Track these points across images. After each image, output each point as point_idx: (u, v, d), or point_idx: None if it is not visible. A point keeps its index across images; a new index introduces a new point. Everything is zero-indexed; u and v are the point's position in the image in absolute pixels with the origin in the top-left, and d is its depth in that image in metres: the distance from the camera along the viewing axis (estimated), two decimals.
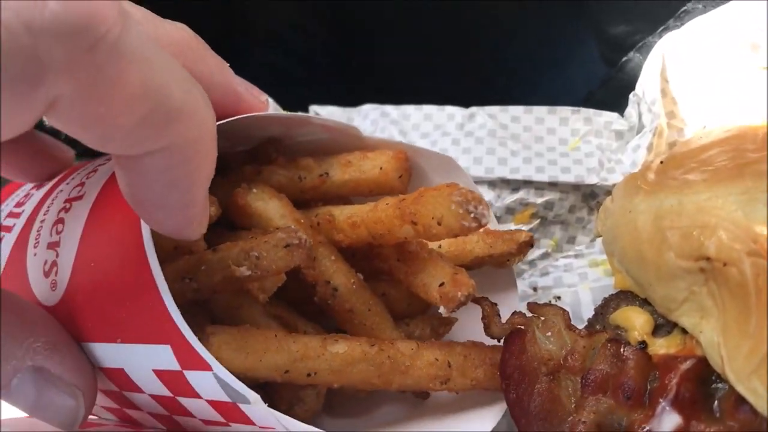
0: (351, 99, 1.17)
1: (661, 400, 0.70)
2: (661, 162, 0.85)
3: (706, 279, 0.70)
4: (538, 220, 1.04)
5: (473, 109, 1.08)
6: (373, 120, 1.09)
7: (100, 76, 0.47)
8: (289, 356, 0.76)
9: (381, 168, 0.87)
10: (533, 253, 1.05)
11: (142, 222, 0.66)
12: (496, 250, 0.90)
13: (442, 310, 0.82)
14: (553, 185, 1.02)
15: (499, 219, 1.04)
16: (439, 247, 0.90)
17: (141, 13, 0.68)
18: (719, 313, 0.68)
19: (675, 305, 0.73)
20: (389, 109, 1.10)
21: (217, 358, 0.70)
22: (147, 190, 0.59)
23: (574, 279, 1.01)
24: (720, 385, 0.70)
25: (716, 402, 0.70)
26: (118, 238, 0.70)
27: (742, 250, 0.66)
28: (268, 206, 0.84)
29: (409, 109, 1.09)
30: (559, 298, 1.01)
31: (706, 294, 0.70)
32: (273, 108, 1.05)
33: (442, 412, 0.88)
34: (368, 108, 1.11)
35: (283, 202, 0.85)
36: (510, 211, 1.04)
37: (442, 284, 0.82)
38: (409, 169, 0.89)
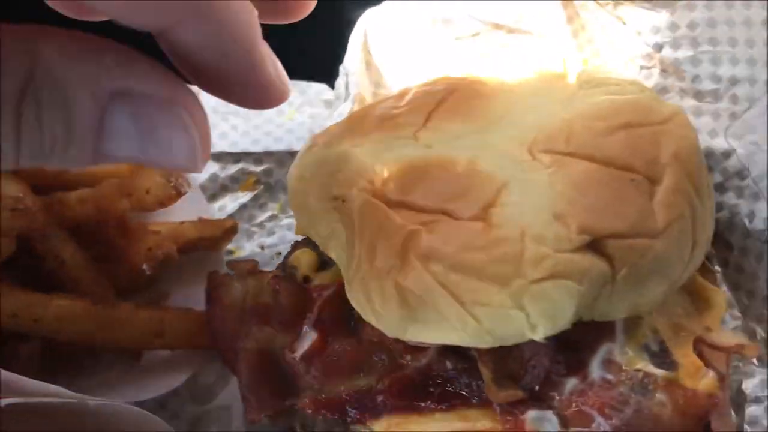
0: None
1: (304, 323, 0.81)
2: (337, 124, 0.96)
3: (339, 216, 0.81)
4: (262, 186, 1.14)
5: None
6: None
7: None
8: (17, 302, 0.87)
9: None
10: (262, 216, 1.14)
11: None
12: (206, 234, 1.04)
13: (145, 266, 0.94)
14: (269, 154, 1.12)
15: (226, 188, 1.13)
16: (159, 232, 1.02)
17: None
18: (346, 243, 0.79)
19: (325, 242, 0.84)
20: None
21: None
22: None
23: (297, 236, 1.11)
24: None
25: (353, 321, 0.81)
26: None
27: (356, 188, 0.77)
28: (10, 188, 0.91)
29: None
30: (279, 253, 1.10)
31: (342, 229, 0.81)
32: None
33: (153, 371, 0.98)
34: None
35: (22, 186, 0.93)
36: (235, 180, 1.13)
37: (149, 249, 0.96)
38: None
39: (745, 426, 0.85)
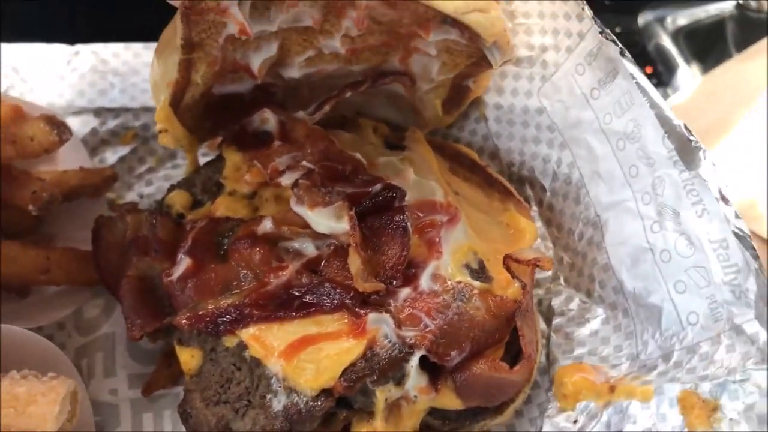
0: None
1: (179, 251, 0.93)
2: None
3: None
4: (140, 140, 1.24)
5: (78, 46, 1.24)
6: None
7: None
8: None
9: None
10: (141, 168, 1.24)
11: None
12: (87, 181, 1.13)
13: (31, 207, 1.03)
14: (147, 110, 1.22)
15: (106, 142, 1.22)
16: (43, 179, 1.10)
17: None
18: None
19: None
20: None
21: None
22: None
23: None
24: (226, 239, 0.95)
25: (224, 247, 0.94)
26: None
27: None
28: None
29: (18, 47, 1.23)
30: (157, 201, 1.19)
31: None
32: None
33: (40, 305, 1.07)
34: None
35: None
36: (114, 134, 1.22)
37: (34, 192, 1.04)
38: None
39: (551, 333, 1.04)
